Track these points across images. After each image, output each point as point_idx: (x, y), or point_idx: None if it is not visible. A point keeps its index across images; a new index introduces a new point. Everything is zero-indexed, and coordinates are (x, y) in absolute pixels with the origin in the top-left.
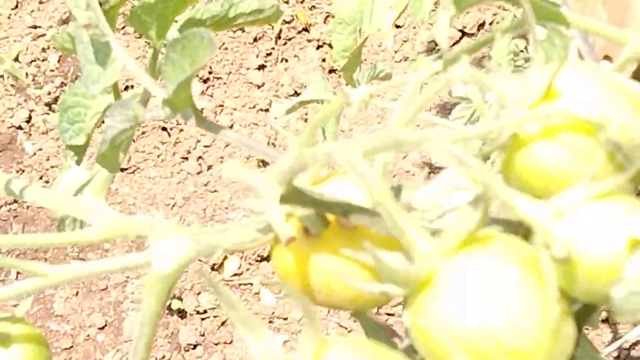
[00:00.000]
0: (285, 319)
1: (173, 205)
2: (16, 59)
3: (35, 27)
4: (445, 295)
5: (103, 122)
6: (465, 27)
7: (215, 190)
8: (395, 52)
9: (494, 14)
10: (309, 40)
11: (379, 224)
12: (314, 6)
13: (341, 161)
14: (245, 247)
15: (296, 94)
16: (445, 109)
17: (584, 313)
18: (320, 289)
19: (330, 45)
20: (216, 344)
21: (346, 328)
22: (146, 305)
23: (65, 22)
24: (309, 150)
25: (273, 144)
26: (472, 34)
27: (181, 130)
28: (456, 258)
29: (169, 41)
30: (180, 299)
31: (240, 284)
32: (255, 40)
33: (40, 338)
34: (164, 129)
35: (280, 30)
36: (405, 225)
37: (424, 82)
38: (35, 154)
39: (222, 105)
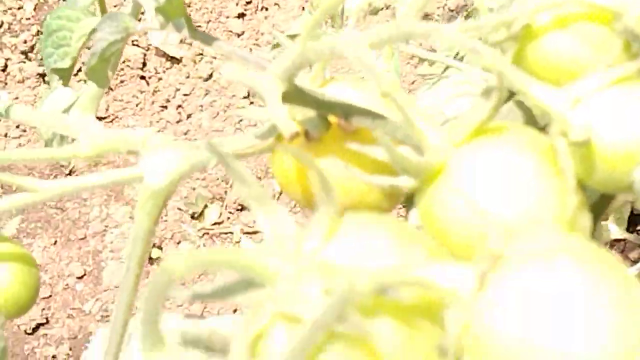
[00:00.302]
0: None
1: None
2: None
3: None
4: (458, 185)
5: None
6: None
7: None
8: None
9: None
10: None
11: (381, 126)
12: None
13: (347, 54)
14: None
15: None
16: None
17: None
18: None
19: None
20: None
21: None
22: (138, 221)
23: None
24: (313, 44)
25: (253, 92)
26: None
27: (160, 79)
28: (469, 147)
29: None
30: (160, 247)
31: (220, 233)
32: None
33: (28, 258)
34: (143, 77)
35: None
36: (416, 116)
37: None
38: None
39: (201, 54)
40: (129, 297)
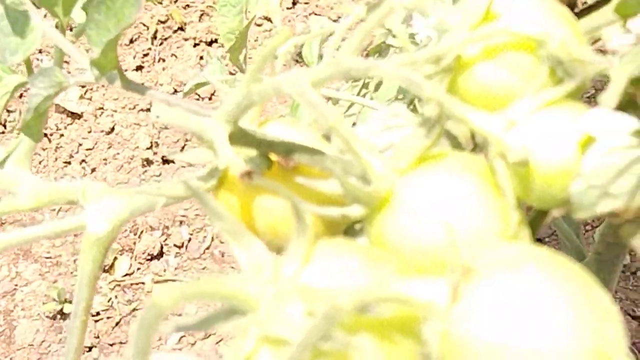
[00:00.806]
0: (180, 315)
1: (59, 210)
2: None
3: None
4: (405, 211)
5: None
6: (339, 17)
7: None
8: None
9: (367, 3)
10: (186, 39)
11: (320, 162)
12: (188, 5)
13: (291, 92)
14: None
15: (176, 92)
16: None
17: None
18: (265, 231)
19: (207, 43)
20: (112, 345)
21: None
22: (83, 268)
23: None
24: (257, 86)
25: (156, 142)
26: None
27: (61, 135)
28: (414, 174)
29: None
30: (71, 302)
31: (132, 284)
32: (131, 41)
33: None
34: (44, 134)
35: (156, 30)
36: (360, 147)
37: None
38: None
39: (102, 108)
40: (78, 342)
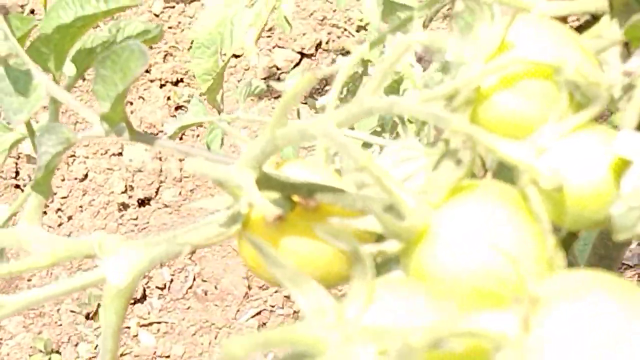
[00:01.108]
0: (168, 356)
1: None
2: None
3: None
4: (444, 244)
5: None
6: (303, 49)
7: None
8: (239, 81)
9: (329, 33)
10: (152, 81)
11: (341, 200)
12: (151, 47)
13: (318, 134)
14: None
15: (147, 134)
16: None
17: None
18: None
19: (173, 83)
20: None
21: None
22: (106, 320)
23: None
24: (281, 131)
25: (131, 186)
26: (311, 55)
27: None
28: (448, 207)
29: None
30: (58, 352)
31: None
32: None
33: None
34: (17, 186)
35: None
36: (393, 184)
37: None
38: None
39: (73, 155)
40: None
